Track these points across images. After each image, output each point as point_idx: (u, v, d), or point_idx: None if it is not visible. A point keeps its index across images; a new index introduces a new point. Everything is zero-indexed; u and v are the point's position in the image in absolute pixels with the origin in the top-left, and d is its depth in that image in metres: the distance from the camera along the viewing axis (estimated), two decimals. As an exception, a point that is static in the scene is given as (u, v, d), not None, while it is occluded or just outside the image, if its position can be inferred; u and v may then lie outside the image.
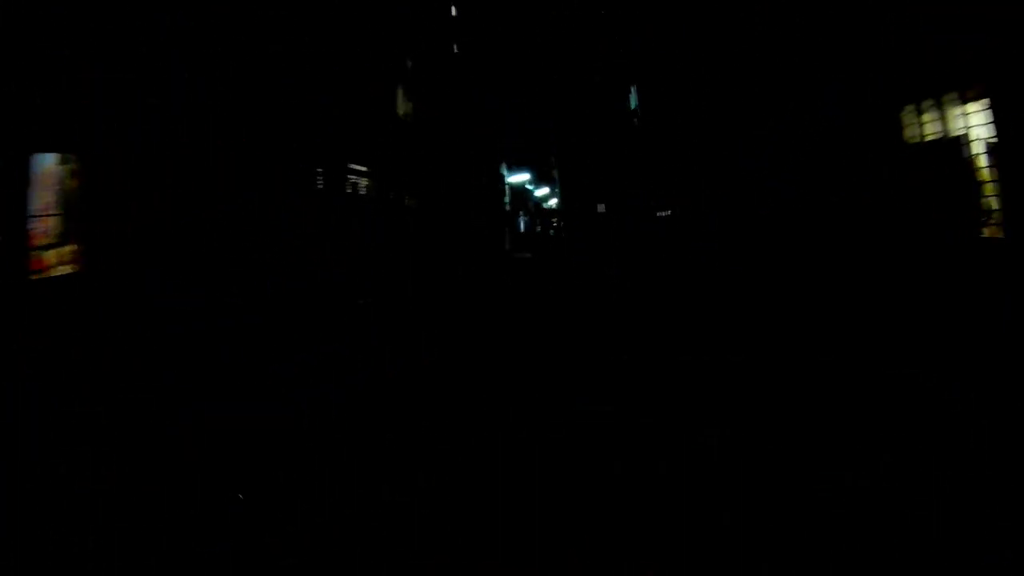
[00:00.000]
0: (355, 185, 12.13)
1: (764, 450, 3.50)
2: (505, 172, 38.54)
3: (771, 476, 3.15)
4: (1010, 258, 4.76)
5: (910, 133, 5.99)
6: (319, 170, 10.25)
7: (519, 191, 48.79)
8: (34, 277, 4.85)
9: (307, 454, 3.83)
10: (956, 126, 5.53)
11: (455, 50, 25.65)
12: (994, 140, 4.72)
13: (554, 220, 51.84)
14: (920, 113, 5.84)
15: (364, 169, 12.51)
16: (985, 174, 5.20)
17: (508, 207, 39.06)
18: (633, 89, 18.39)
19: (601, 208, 19.08)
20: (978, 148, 5.22)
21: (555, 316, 9.00)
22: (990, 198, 5.14)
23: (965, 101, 5.27)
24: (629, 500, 2.99)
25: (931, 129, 5.73)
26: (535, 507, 2.97)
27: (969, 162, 5.27)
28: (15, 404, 4.50)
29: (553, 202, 56.00)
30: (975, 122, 5.18)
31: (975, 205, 5.27)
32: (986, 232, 5.19)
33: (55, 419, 4.71)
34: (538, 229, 55.14)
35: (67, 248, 5.31)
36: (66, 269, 5.26)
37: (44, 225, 5.16)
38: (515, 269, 19.05)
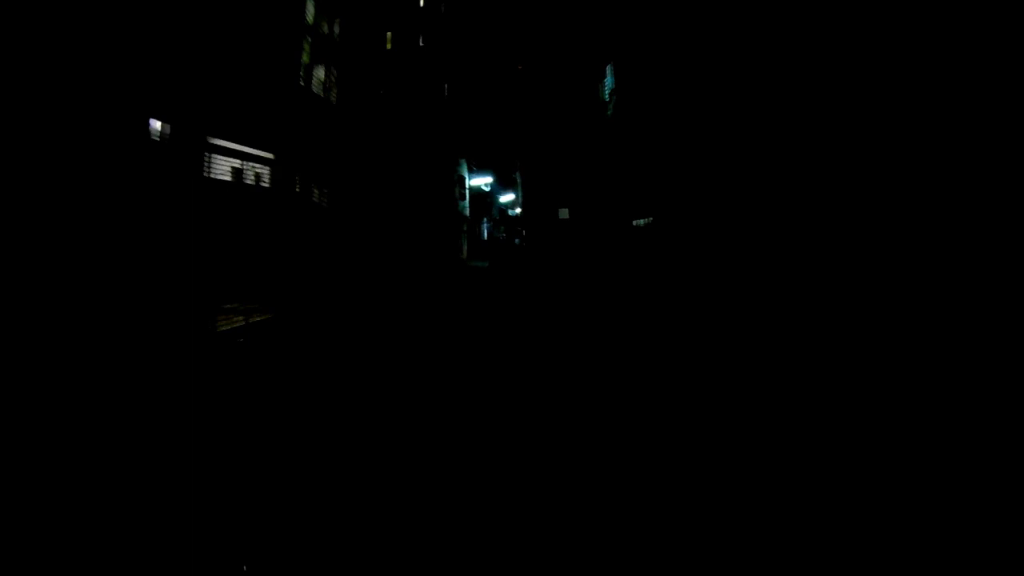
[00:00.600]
0: (238, 172, 8.93)
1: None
2: (466, 174, 35.47)
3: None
4: None
5: None
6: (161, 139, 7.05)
7: (482, 196, 45.84)
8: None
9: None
10: None
11: (420, 42, 22.65)
12: None
13: (520, 228, 49.03)
14: None
15: (251, 152, 9.31)
16: None
17: (468, 212, 35.94)
18: (609, 71, 15.64)
19: (564, 214, 16.20)
20: None
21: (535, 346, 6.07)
22: None
23: None
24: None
25: None
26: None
27: None
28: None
29: (520, 211, 53.11)
30: None
31: None
32: None
33: None
34: (502, 237, 52.20)
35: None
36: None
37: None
38: (471, 281, 16.07)
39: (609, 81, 15.57)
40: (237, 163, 8.57)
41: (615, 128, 15.09)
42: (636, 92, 12.97)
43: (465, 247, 35.42)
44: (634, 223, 12.74)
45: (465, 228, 35.85)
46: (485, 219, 50.77)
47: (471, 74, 37.43)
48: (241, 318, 8.26)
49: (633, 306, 10.03)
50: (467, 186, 35.74)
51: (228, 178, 8.34)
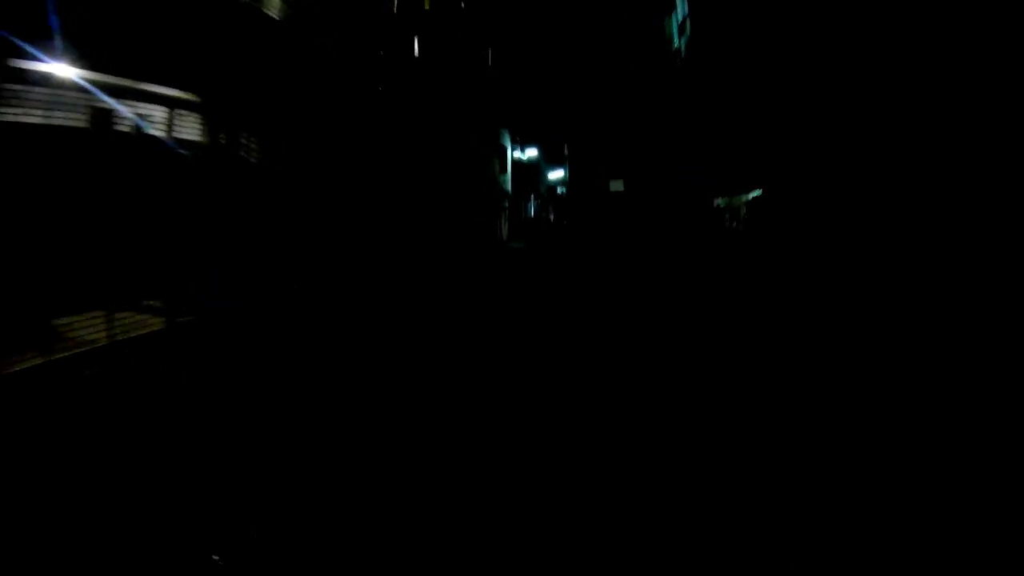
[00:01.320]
0: (103, 115, 5.85)
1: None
2: (508, 145, 31.83)
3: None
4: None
5: None
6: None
7: (528, 171, 42.17)
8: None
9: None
10: None
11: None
12: None
13: (567, 206, 45.19)
14: None
15: (160, 92, 6.21)
16: None
17: (510, 188, 32.36)
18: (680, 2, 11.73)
19: (617, 186, 12.65)
20: None
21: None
22: None
23: None
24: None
25: None
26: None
27: None
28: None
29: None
30: None
31: None
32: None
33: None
34: (550, 216, 48.40)
35: None
36: None
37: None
38: (502, 270, 12.84)
39: (681, 9, 11.66)
40: (103, 102, 5.50)
41: (689, 74, 11.26)
42: (729, 13, 9.13)
43: (506, 227, 31.97)
44: (716, 203, 9.01)
45: (507, 206, 32.36)
46: (532, 196, 47.10)
47: (518, 33, 33.52)
48: (104, 326, 5.25)
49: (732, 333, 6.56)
50: (509, 159, 32.13)
51: (82, 123, 5.30)
